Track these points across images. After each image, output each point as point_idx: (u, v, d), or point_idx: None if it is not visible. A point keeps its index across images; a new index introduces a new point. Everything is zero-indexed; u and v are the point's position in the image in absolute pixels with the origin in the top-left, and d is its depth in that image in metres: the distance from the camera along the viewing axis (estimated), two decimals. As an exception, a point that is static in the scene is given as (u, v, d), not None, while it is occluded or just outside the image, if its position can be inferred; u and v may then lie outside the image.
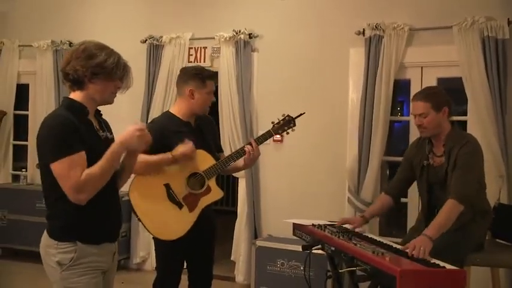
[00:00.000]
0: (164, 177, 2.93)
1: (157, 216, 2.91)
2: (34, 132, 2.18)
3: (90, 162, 2.11)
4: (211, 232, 3.16)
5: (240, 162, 3.10)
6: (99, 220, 2.20)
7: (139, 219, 2.92)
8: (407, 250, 2.56)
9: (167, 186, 2.93)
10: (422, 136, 3.13)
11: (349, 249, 2.55)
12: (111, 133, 2.37)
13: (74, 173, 2.06)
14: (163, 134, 2.89)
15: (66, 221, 2.15)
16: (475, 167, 2.95)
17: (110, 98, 2.26)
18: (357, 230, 3.08)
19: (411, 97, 3.25)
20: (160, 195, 2.92)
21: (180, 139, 2.92)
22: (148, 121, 4.11)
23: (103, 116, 2.37)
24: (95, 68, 2.16)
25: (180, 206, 2.93)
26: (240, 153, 3.05)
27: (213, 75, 3.14)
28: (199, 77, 3.04)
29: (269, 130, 3.13)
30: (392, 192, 3.26)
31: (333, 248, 2.69)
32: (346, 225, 3.10)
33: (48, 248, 2.17)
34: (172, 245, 2.93)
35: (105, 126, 2.34)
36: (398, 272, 2.17)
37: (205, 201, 2.99)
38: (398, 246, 2.70)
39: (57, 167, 2.07)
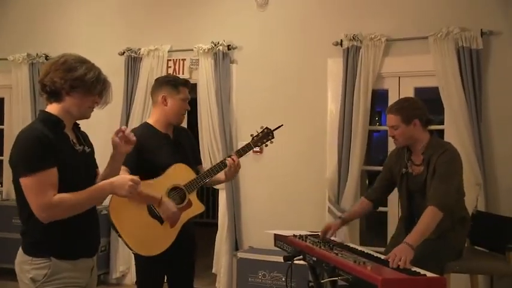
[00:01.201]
0: None
1: (138, 232, 2.86)
2: (10, 147, 2.13)
3: (64, 177, 2.08)
4: (191, 245, 3.13)
5: (221, 175, 3.09)
6: (75, 235, 2.16)
7: (119, 235, 2.86)
8: (389, 260, 2.56)
9: None
10: (396, 146, 3.20)
11: (330, 259, 2.55)
12: (90, 146, 2.34)
13: (43, 191, 2.01)
14: (142, 146, 2.85)
15: (40, 237, 2.10)
16: (454, 176, 2.98)
17: (86, 112, 2.23)
18: (338, 240, 3.08)
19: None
20: (141, 211, 2.87)
21: (159, 153, 2.90)
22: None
23: (82, 129, 2.33)
24: (74, 81, 2.13)
25: (161, 221, 2.89)
26: (220, 166, 3.04)
27: (186, 83, 3.11)
28: (171, 83, 3.04)
29: (248, 143, 3.12)
30: (372, 198, 3.30)
31: (314, 258, 2.69)
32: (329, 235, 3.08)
33: (23, 264, 2.12)
34: (153, 260, 2.88)
35: (83, 139, 2.30)
36: (380, 281, 2.18)
37: (186, 215, 2.96)
38: (380, 255, 2.71)
39: (27, 182, 2.03)
